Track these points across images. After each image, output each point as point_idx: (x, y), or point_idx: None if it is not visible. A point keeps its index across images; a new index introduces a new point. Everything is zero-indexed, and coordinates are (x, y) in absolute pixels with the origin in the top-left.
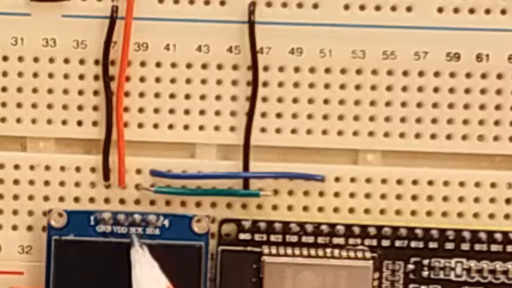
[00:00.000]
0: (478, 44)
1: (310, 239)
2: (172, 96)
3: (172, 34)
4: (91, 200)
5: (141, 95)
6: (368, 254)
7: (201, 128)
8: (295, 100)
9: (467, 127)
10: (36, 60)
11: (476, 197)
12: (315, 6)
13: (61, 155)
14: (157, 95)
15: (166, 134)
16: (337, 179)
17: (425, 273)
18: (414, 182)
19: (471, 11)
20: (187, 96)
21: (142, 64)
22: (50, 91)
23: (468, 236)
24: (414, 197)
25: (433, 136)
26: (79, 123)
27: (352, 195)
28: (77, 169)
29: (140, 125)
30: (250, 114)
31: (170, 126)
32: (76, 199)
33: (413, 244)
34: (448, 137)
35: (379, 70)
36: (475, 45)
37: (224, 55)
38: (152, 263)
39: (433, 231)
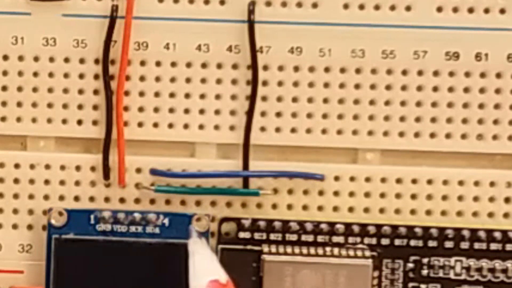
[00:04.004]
0: (477, 43)
1: (310, 238)
2: (172, 95)
3: (172, 33)
4: (91, 199)
5: (141, 94)
6: (367, 253)
7: (201, 127)
8: (294, 99)
9: (467, 126)
10: (36, 59)
11: (476, 196)
12: (315, 5)
13: (61, 154)
14: (157, 94)
15: (166, 133)
16: (336, 178)
17: (424, 272)
18: (414, 181)
19: (470, 10)
20: (187, 95)
21: (142, 63)
22: (50, 90)
23: (468, 235)
24: (413, 196)
25: (432, 135)
26: (79, 122)
27: (351, 194)
28: (77, 168)
29: (140, 124)
30: (249, 113)
31: (170, 125)
32: (76, 198)
33: (413, 242)
34: (448, 136)
35: (378, 69)
36: (474, 44)
37: (223, 54)
38: (211, 255)
39: (432, 230)
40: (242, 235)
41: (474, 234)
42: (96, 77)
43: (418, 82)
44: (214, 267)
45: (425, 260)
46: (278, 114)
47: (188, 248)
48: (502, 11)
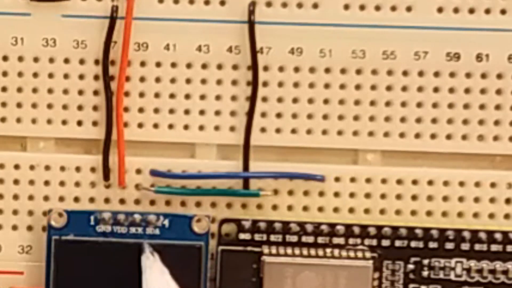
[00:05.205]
0: (478, 44)
1: (310, 239)
2: (172, 96)
3: (172, 34)
4: (91, 200)
5: (141, 95)
6: (368, 254)
7: (201, 128)
8: (295, 100)
9: (467, 127)
10: (36, 60)
11: (476, 197)
12: (315, 6)
13: (61, 155)
14: (157, 95)
15: (166, 134)
16: (337, 179)
17: (425, 273)
18: (414, 182)
19: (471, 11)
20: (187, 96)
21: (142, 64)
22: (50, 91)
23: (468, 236)
24: (414, 197)
25: (433, 136)
26: (79, 123)
27: (352, 195)
28: (77, 169)
29: (140, 125)
30: (250, 114)
31: (170, 126)
32: (76, 199)
33: (413, 244)
34: (448, 137)
35: (379, 70)
36: (475, 45)
37: (224, 55)
38: (162, 269)
39: (433, 231)
40: (242, 236)
41: (474, 235)
42: (96, 77)
43: (418, 82)
44: (165, 282)
45: (425, 262)
46: (279, 115)
47: (141, 264)
48: (503, 11)
